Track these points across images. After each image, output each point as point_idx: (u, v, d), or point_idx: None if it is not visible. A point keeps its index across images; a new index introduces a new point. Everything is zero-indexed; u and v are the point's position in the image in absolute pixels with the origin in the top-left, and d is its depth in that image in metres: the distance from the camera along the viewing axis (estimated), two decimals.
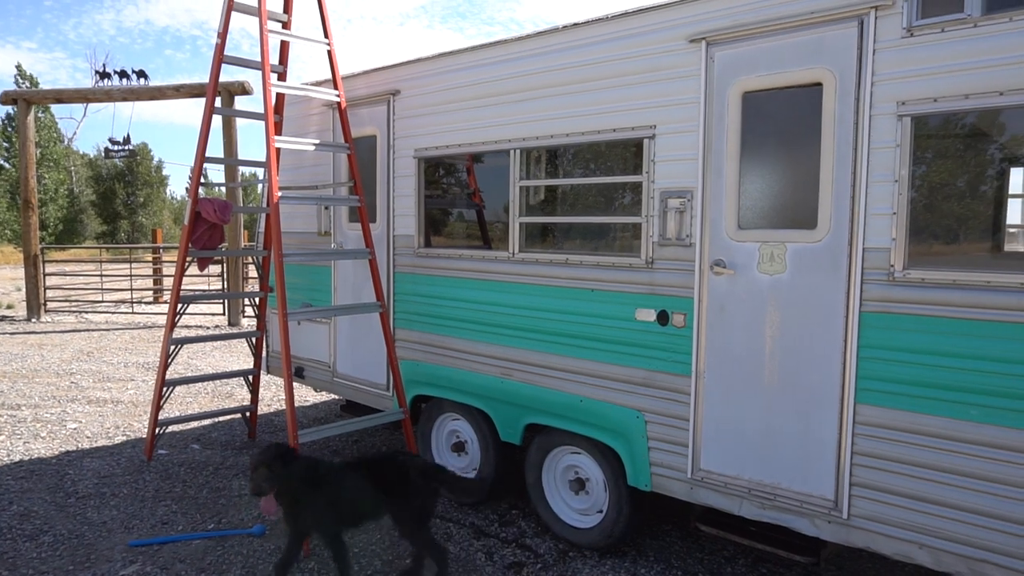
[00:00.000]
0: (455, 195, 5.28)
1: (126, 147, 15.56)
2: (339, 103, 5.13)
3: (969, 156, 3.05)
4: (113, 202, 46.97)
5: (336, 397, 7.49)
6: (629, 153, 3.81)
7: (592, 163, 4.22)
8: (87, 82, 41.80)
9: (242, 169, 12.75)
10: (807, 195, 3.16)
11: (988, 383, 2.76)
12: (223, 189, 20.24)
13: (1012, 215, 3.71)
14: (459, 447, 4.88)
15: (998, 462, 2.75)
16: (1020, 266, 2.74)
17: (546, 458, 4.33)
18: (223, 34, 5.13)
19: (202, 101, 5.78)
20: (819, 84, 3.09)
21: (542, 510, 4.39)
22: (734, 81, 3.34)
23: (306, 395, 7.87)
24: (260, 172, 6.28)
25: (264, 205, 5.13)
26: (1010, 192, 3.62)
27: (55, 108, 41.16)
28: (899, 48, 2.88)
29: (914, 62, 2.85)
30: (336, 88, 5.14)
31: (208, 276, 14.37)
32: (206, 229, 5.40)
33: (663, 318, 3.65)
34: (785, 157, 3.29)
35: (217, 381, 8.25)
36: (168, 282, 16.05)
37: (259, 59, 4.84)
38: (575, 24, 3.94)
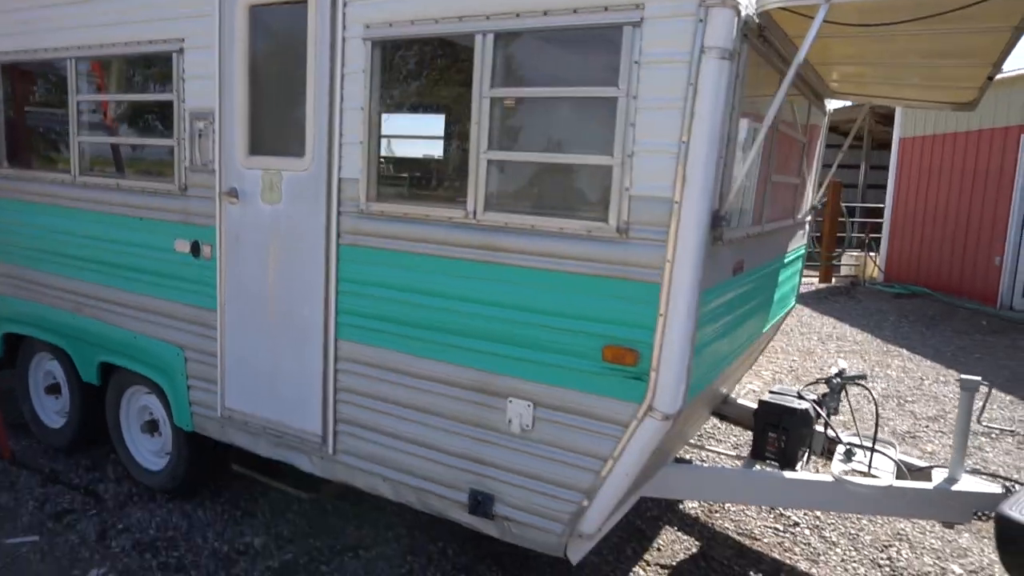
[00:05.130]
0: (58, 107, 4.72)
1: None
2: None
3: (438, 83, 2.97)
4: None
5: None
6: (166, 68, 3.49)
7: (139, 79, 3.84)
8: None
9: None
10: (299, 121, 3.00)
11: (428, 317, 2.76)
12: None
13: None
14: (54, 388, 4.47)
15: (435, 395, 2.78)
16: (455, 198, 2.72)
17: (122, 398, 4.05)
18: None
19: None
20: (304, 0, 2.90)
21: (121, 453, 4.12)
22: None
23: None
24: None
25: None
26: None
27: None
28: None
29: None
30: None
31: None
32: None
33: (195, 249, 3.42)
34: (285, 79, 3.10)
35: None
36: None
37: None
38: None
